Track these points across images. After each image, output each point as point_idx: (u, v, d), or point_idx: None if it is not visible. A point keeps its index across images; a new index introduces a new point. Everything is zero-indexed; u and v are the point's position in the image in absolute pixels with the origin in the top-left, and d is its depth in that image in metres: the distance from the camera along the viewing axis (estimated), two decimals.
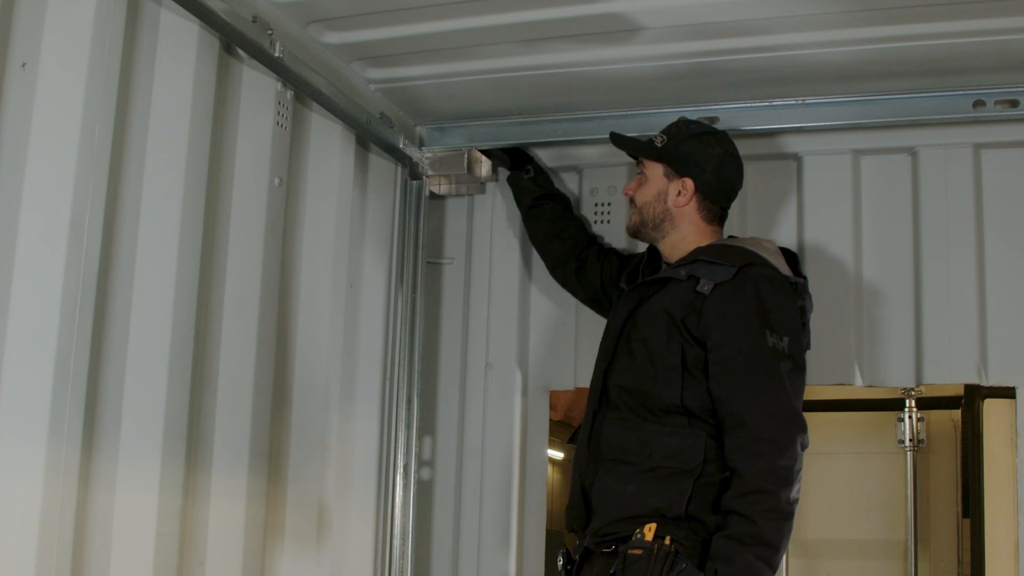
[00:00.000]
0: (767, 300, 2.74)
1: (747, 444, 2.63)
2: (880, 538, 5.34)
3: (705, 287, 2.77)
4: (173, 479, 2.53)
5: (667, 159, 2.97)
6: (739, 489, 2.61)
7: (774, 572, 2.59)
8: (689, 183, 2.95)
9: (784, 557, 5.18)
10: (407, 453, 3.51)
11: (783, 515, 2.59)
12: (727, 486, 2.67)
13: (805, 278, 2.94)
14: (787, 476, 2.60)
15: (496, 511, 3.61)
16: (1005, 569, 4.79)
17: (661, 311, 2.82)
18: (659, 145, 2.99)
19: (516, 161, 3.62)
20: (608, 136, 3.17)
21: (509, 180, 3.62)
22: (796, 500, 2.63)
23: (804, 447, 2.68)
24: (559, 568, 2.91)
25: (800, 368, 2.77)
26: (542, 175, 3.58)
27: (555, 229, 3.48)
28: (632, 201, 3.06)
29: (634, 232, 3.07)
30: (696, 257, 2.87)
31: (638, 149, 3.06)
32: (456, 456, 3.69)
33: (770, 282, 2.78)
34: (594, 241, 3.49)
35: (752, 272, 2.78)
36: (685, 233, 2.97)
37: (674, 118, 3.13)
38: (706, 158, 2.96)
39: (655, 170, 3.00)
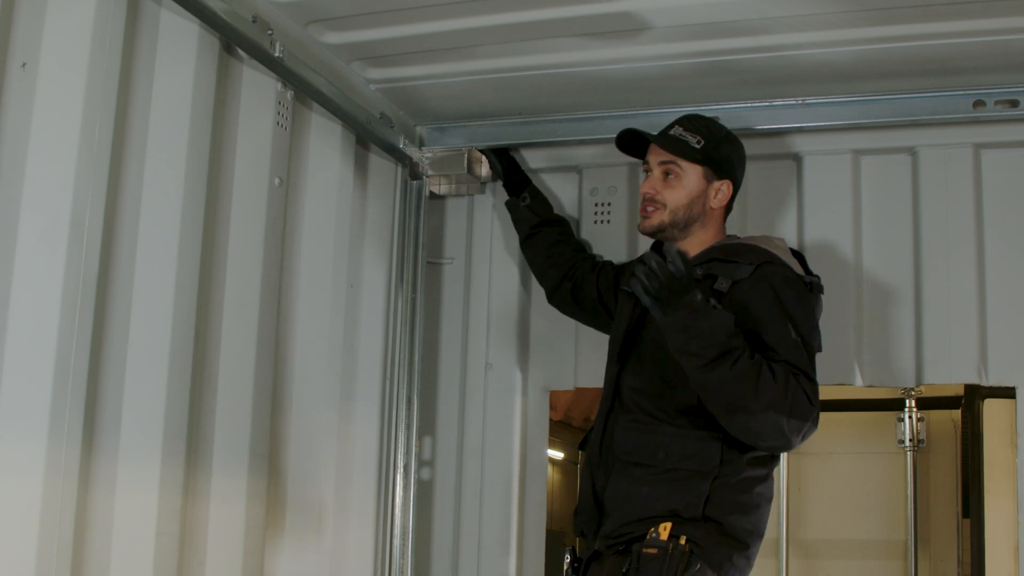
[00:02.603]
0: (784, 297, 2.74)
1: (788, 373, 2.60)
2: (880, 538, 5.34)
3: (723, 284, 2.76)
4: (173, 479, 2.53)
5: (710, 162, 2.92)
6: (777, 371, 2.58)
7: (720, 380, 2.56)
8: (729, 186, 2.95)
9: (784, 557, 5.22)
10: (407, 453, 3.51)
11: (778, 408, 2.55)
12: (743, 487, 2.68)
13: (818, 277, 2.93)
14: (806, 413, 2.58)
15: (496, 511, 3.61)
16: (1005, 569, 4.79)
17: None
18: (697, 146, 2.91)
19: (513, 184, 3.59)
20: (623, 132, 3.03)
21: (507, 205, 3.59)
22: (790, 436, 2.59)
23: (805, 436, 2.66)
24: (565, 567, 2.89)
25: (814, 364, 2.74)
26: (539, 201, 3.53)
27: (552, 257, 3.45)
28: (653, 201, 2.92)
29: (656, 230, 2.94)
30: (711, 256, 2.85)
31: (681, 151, 2.92)
32: (456, 456, 3.69)
33: (787, 281, 2.78)
34: (588, 259, 3.46)
35: (770, 270, 2.77)
36: (710, 232, 2.95)
37: (674, 118, 3.12)
38: (739, 160, 2.99)
39: (694, 172, 2.91)
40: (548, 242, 3.47)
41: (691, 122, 2.97)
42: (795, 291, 2.78)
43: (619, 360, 2.90)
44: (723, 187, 2.94)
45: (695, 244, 2.94)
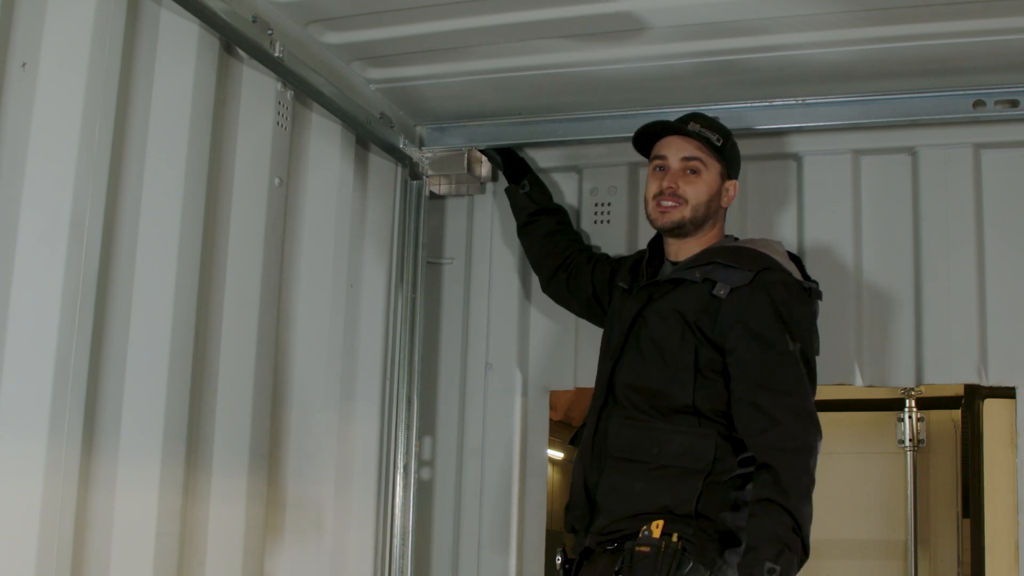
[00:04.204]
0: (783, 305, 2.74)
1: (780, 441, 2.62)
2: (880, 538, 5.34)
3: (722, 291, 2.76)
4: (173, 479, 2.53)
5: (726, 160, 2.95)
6: (775, 481, 2.59)
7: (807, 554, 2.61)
8: (736, 186, 2.98)
9: None
10: (407, 453, 3.51)
11: (808, 517, 2.60)
12: (736, 484, 2.68)
13: (816, 282, 2.93)
14: (811, 483, 2.62)
15: (496, 511, 3.61)
16: (1005, 569, 4.79)
17: (673, 312, 2.81)
18: (718, 144, 2.92)
19: (513, 171, 3.59)
20: (652, 124, 2.99)
21: (506, 192, 3.60)
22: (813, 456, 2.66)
23: (819, 433, 2.69)
24: (557, 567, 2.89)
25: (814, 375, 2.77)
26: (538, 189, 3.54)
27: (547, 247, 3.44)
28: (675, 196, 2.89)
29: (676, 226, 2.91)
30: (710, 259, 2.85)
31: (709, 146, 2.91)
32: (456, 456, 3.69)
33: (786, 287, 2.78)
34: (584, 250, 3.45)
35: (769, 277, 2.77)
36: (715, 232, 2.97)
37: (674, 118, 3.12)
38: (740, 160, 3.02)
39: (715, 168, 2.93)
40: (545, 231, 3.47)
41: (704, 120, 2.97)
42: (795, 297, 2.79)
43: (614, 356, 2.90)
44: (732, 187, 2.98)
45: (694, 245, 2.95)
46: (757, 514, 2.59)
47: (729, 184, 2.97)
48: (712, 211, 2.93)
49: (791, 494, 2.57)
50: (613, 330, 2.97)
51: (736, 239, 3.03)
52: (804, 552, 2.57)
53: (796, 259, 2.99)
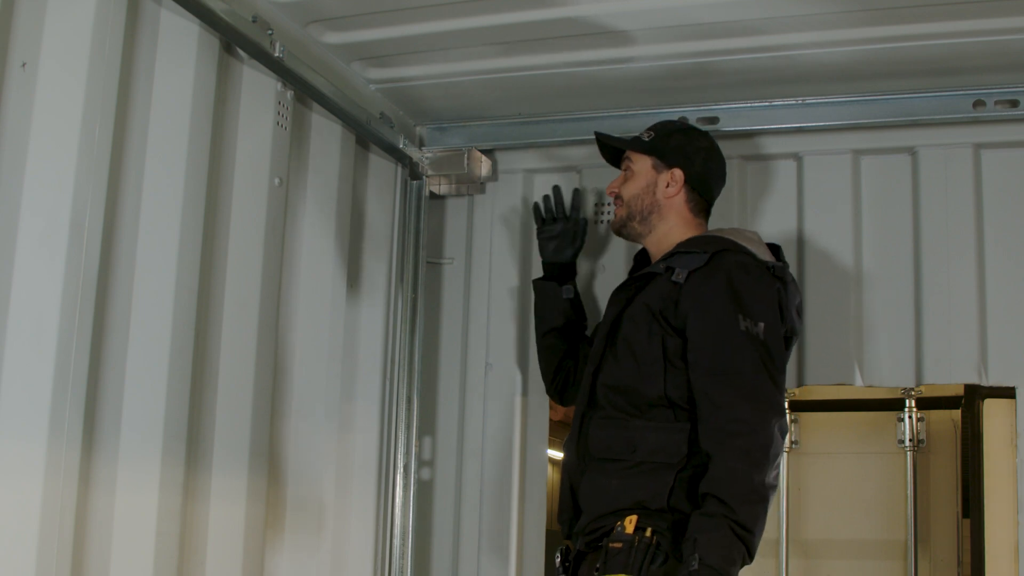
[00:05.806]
0: (739, 285, 2.73)
1: (720, 426, 2.62)
2: (880, 538, 5.33)
3: (680, 276, 2.77)
4: (173, 479, 2.53)
5: (656, 151, 2.99)
6: (713, 471, 2.60)
7: (751, 557, 2.57)
8: (679, 173, 2.97)
9: (784, 557, 5.22)
10: (407, 453, 3.52)
11: (757, 497, 2.57)
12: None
13: (785, 263, 2.93)
14: (760, 459, 2.58)
15: (496, 511, 3.61)
16: (1005, 569, 4.79)
17: (642, 308, 2.82)
18: (647, 140, 3.03)
19: (564, 271, 3.39)
20: (593, 135, 3.17)
21: (542, 288, 3.38)
22: (772, 486, 2.60)
23: (783, 432, 2.66)
24: (556, 564, 2.90)
25: (777, 354, 2.73)
26: (578, 296, 3.39)
27: (565, 365, 3.34)
28: (617, 198, 3.05)
29: (620, 227, 3.05)
30: (675, 250, 2.88)
31: (626, 143, 3.07)
32: (456, 456, 3.69)
33: (742, 267, 2.77)
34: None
35: (725, 258, 2.78)
36: (672, 225, 2.97)
37: (674, 118, 3.14)
38: (695, 150, 3.00)
39: (643, 163, 3.01)
40: (566, 344, 3.34)
41: (655, 123, 3.09)
42: (752, 276, 2.77)
43: (595, 362, 2.91)
44: (673, 176, 2.98)
45: (660, 241, 2.98)
46: (702, 508, 2.58)
47: (669, 173, 2.98)
48: (649, 204, 2.98)
49: (730, 487, 2.55)
50: (597, 336, 2.98)
51: (719, 230, 3.02)
52: (746, 547, 2.54)
53: (775, 249, 2.99)
